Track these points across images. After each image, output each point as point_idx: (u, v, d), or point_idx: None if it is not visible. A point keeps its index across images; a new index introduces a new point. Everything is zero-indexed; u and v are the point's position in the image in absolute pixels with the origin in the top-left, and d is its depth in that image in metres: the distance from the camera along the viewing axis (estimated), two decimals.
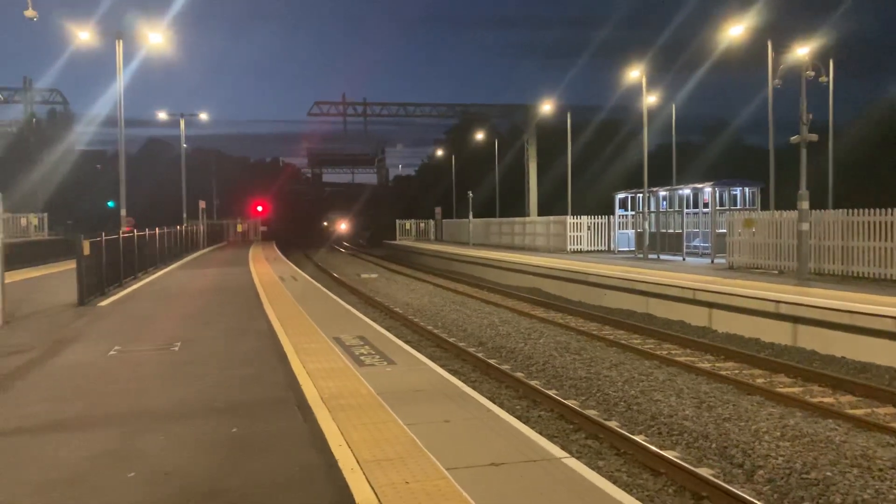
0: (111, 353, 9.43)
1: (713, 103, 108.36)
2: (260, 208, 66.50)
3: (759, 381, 10.60)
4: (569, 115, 39.93)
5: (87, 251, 14.92)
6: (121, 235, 18.75)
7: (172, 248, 29.52)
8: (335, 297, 16.25)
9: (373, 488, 4.59)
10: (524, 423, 6.40)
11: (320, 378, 7.70)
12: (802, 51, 21.44)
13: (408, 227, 57.17)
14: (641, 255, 26.20)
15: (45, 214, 42.30)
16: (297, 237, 68.39)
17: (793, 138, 17.53)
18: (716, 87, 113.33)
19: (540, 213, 45.78)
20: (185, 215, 42.62)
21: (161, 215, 39.77)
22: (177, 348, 9.71)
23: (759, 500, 6.20)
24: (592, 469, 5.26)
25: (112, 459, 5.26)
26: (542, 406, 9.43)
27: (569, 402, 9.30)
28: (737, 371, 11.28)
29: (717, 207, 23.49)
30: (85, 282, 14.76)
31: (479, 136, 54.38)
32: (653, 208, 26.68)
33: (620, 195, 30.47)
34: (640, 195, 27.22)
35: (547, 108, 45.05)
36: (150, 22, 25.65)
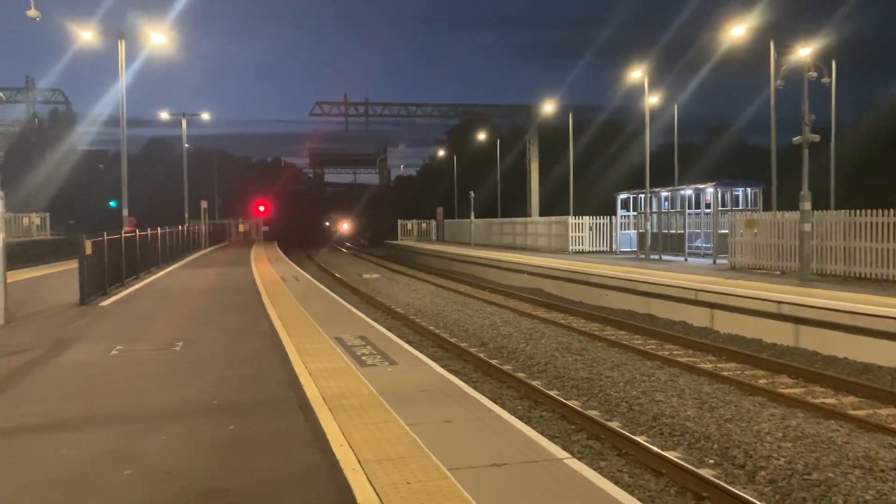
0: (113, 352, 9.43)
1: (715, 104, 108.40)
2: (262, 208, 66.61)
3: (762, 381, 10.59)
4: (570, 116, 39.97)
5: (89, 251, 14.94)
6: (123, 235, 18.76)
7: (174, 247, 29.56)
8: (337, 297, 16.24)
9: (374, 488, 4.58)
10: (526, 423, 6.40)
11: (322, 378, 7.69)
12: (805, 51, 21.46)
13: (409, 227, 57.16)
14: (643, 256, 26.18)
15: (48, 214, 42.46)
16: (299, 237, 68.39)
17: (795, 139, 17.52)
18: (718, 87, 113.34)
19: (542, 214, 45.78)
20: (186, 215, 42.65)
21: (163, 215, 39.85)
22: (178, 348, 9.71)
23: (760, 501, 6.19)
24: (594, 470, 5.26)
25: (113, 459, 5.26)
26: (543, 406, 9.43)
27: (570, 403, 9.30)
28: (739, 372, 11.27)
29: (719, 208, 23.51)
30: (87, 281, 14.79)
31: (481, 136, 54.36)
32: (655, 209, 26.67)
33: (622, 195, 30.48)
34: (642, 195, 27.20)
35: (549, 108, 45.00)
36: (152, 22, 25.65)
